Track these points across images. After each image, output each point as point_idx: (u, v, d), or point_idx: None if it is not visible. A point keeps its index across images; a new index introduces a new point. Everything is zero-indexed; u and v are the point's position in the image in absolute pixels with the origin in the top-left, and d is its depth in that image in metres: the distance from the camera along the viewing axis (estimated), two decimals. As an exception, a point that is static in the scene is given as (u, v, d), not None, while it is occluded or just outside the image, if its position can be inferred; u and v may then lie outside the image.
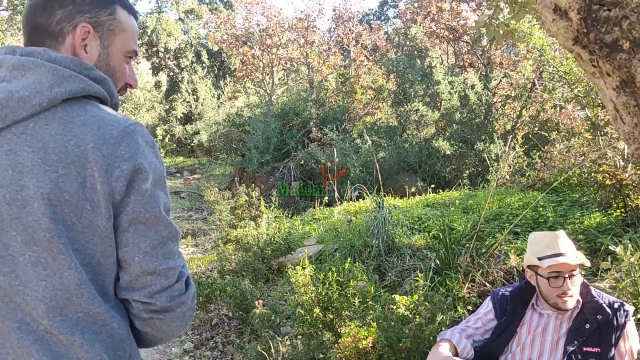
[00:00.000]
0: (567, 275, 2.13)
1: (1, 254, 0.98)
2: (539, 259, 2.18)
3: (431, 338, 2.75)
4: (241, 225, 5.62)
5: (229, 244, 5.55)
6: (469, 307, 3.53)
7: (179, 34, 22.01)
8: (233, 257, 5.27)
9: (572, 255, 2.15)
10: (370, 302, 3.32)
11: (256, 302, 3.72)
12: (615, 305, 2.11)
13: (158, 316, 1.06)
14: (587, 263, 2.19)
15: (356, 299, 3.27)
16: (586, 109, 5.90)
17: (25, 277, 0.98)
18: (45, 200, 0.97)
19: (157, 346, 4.18)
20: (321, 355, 3.23)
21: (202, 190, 10.81)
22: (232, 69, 20.94)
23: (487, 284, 3.79)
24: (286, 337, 3.59)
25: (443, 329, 2.72)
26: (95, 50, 1.12)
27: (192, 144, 19.54)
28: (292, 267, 3.61)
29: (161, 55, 21.23)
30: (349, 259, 3.66)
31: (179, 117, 20.74)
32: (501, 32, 3.54)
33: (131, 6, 1.20)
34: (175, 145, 20.64)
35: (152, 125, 20.71)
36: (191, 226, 9.09)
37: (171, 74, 21.66)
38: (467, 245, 4.21)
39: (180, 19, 22.96)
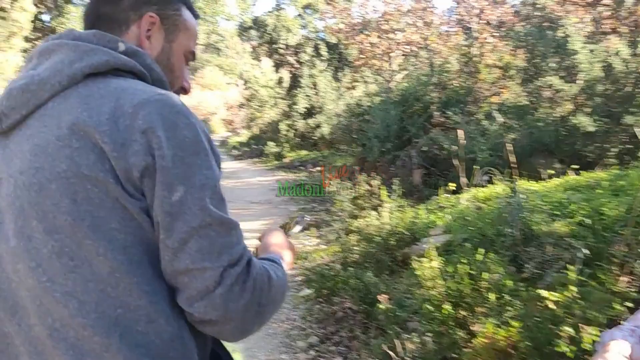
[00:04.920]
0: None
1: (27, 248, 0.87)
2: None
3: (585, 342, 2.37)
4: (362, 215, 5.47)
5: (351, 235, 5.44)
6: (627, 304, 3.07)
7: (298, 29, 22.55)
8: (356, 248, 5.14)
9: None
10: (507, 298, 2.98)
11: (379, 297, 3.54)
12: None
13: (207, 328, 0.90)
14: None
15: (491, 293, 2.95)
16: None
17: (52, 272, 0.85)
18: (63, 179, 0.85)
19: (283, 338, 4.18)
20: (454, 355, 2.97)
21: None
22: (351, 60, 20.96)
23: (650, 277, 3.25)
24: (414, 333, 3.36)
25: (601, 330, 2.33)
26: (158, 43, 1.08)
27: (315, 137, 19.83)
28: (417, 258, 3.37)
29: (281, 51, 21.89)
30: (480, 250, 3.35)
31: (300, 111, 21.19)
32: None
33: (194, 8, 1.18)
34: (299, 139, 21.09)
35: (276, 121, 21.37)
36: (314, 217, 9.16)
37: (292, 69, 22.22)
38: (622, 232, 3.67)
39: (299, 14, 23.54)
